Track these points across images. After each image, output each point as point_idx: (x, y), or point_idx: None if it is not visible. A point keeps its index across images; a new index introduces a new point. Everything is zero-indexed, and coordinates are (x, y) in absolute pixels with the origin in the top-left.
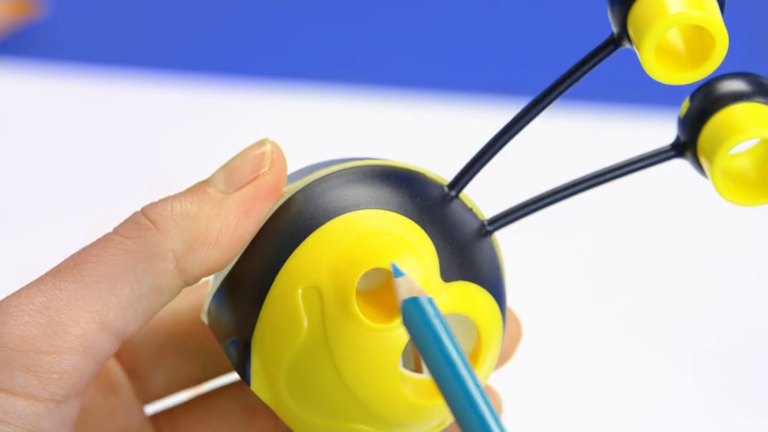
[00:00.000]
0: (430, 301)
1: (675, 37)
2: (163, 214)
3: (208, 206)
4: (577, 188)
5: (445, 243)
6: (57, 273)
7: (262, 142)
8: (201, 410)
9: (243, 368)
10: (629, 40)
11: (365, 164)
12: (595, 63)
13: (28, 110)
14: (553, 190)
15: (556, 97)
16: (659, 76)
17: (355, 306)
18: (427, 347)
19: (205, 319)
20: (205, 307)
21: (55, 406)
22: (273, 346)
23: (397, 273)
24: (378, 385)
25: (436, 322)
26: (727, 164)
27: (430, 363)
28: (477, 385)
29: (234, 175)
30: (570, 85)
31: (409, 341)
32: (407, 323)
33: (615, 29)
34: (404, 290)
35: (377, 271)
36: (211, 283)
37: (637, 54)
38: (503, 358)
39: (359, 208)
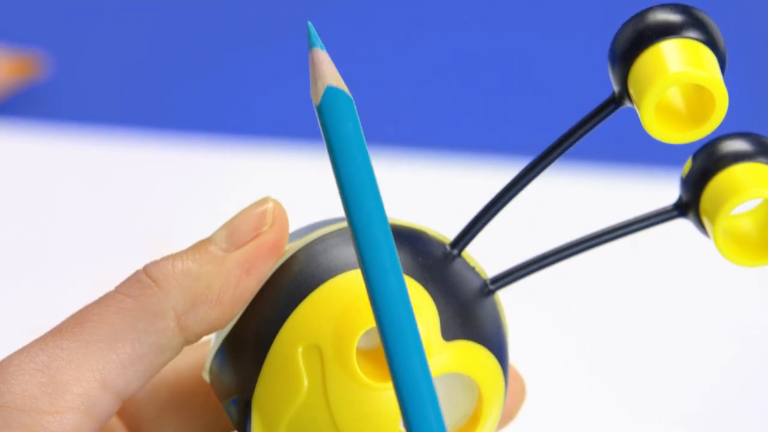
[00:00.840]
0: (353, 102)
1: (676, 96)
2: (165, 273)
3: (210, 264)
4: (579, 248)
5: (447, 302)
6: (58, 332)
7: (263, 200)
8: None
9: (243, 428)
10: (630, 99)
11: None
12: (597, 122)
13: (30, 170)
14: (555, 249)
15: (557, 157)
16: (659, 135)
17: (355, 364)
18: (340, 155)
19: (206, 377)
20: (207, 365)
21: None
22: (273, 406)
23: (314, 41)
24: None
25: (355, 132)
26: (729, 225)
27: (341, 178)
28: (382, 210)
29: (235, 233)
30: (571, 144)
31: None
32: (325, 115)
33: (616, 88)
34: (327, 72)
35: (377, 330)
36: (212, 342)
37: (638, 113)
38: (506, 417)
39: (338, 247)
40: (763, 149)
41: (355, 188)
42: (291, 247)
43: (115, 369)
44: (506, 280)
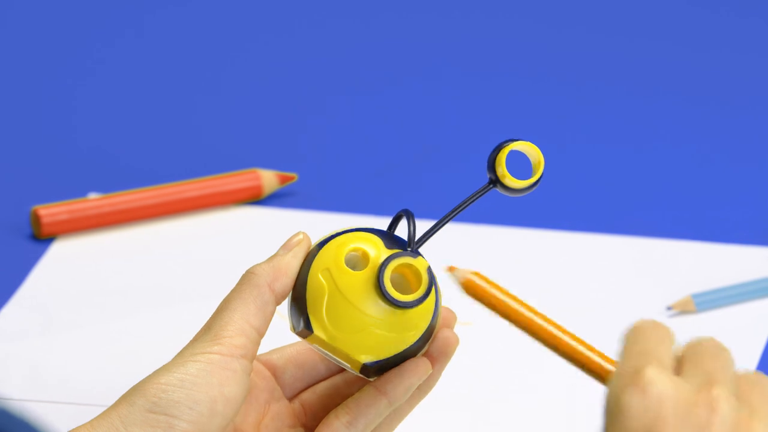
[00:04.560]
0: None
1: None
2: (256, 267)
3: (277, 258)
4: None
5: (386, 238)
6: (219, 311)
7: (298, 233)
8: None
9: (308, 328)
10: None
11: (357, 227)
12: (474, 200)
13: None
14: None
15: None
16: (514, 185)
17: (345, 267)
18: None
19: (292, 331)
20: (289, 325)
21: (234, 358)
22: (316, 305)
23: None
24: (365, 296)
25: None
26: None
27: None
28: None
29: (287, 245)
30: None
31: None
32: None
33: (490, 175)
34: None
35: (351, 254)
36: (288, 317)
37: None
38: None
39: (340, 235)
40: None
41: None
42: (314, 243)
43: (252, 314)
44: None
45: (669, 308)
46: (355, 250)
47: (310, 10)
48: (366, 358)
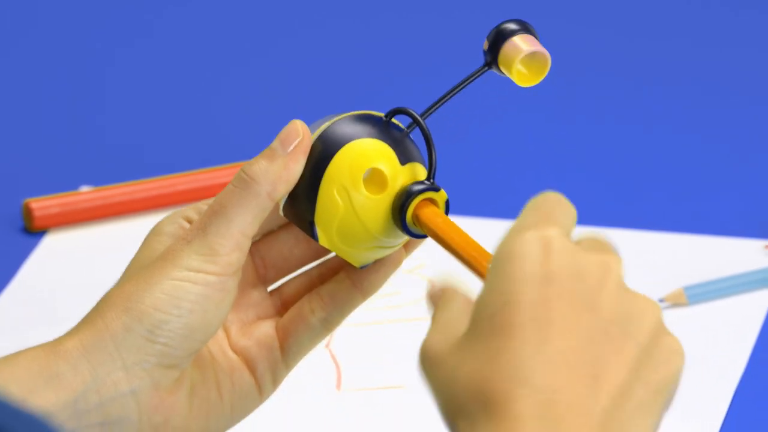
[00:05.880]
0: None
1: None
2: (255, 171)
3: (277, 162)
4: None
5: (396, 146)
6: (211, 213)
7: (294, 122)
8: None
9: (312, 233)
10: (497, 68)
11: (351, 114)
12: (472, 80)
13: None
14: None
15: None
16: (521, 83)
17: (363, 189)
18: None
19: (281, 213)
20: (281, 207)
21: (229, 277)
22: (327, 220)
23: None
24: (380, 222)
25: None
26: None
27: None
28: None
29: (284, 142)
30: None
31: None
32: None
33: (489, 59)
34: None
35: (369, 169)
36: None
37: (508, 75)
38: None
39: (355, 138)
40: (525, 27)
41: None
42: (314, 134)
43: (248, 224)
44: (412, 123)
45: (661, 300)
46: (372, 168)
47: (307, 4)
48: (361, 264)
